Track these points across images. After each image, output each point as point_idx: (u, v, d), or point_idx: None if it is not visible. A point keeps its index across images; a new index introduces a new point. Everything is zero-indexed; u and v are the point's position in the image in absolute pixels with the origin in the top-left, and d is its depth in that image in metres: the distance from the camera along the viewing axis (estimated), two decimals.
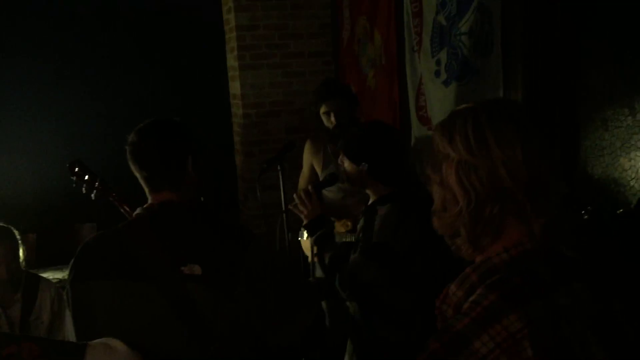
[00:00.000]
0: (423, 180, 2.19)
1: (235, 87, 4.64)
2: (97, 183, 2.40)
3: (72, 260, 1.61)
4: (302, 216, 2.35)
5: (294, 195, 2.37)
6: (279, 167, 3.08)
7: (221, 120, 4.77)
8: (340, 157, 2.29)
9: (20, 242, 2.76)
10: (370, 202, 2.28)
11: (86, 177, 2.39)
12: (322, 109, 3.22)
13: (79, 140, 4.58)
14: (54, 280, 3.44)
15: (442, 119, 1.18)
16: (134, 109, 4.65)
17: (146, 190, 1.63)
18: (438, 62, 3.29)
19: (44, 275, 3.11)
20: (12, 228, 2.75)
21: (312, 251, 2.45)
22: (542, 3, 2.58)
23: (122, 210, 2.34)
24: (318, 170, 3.39)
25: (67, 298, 1.58)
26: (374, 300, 2.18)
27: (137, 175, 1.62)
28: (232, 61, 4.64)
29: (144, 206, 1.63)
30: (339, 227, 3.20)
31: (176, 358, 1.50)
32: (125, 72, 4.78)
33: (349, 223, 3.02)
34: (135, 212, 1.63)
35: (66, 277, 3.83)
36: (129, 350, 1.47)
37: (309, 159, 3.46)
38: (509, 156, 1.05)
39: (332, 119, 3.19)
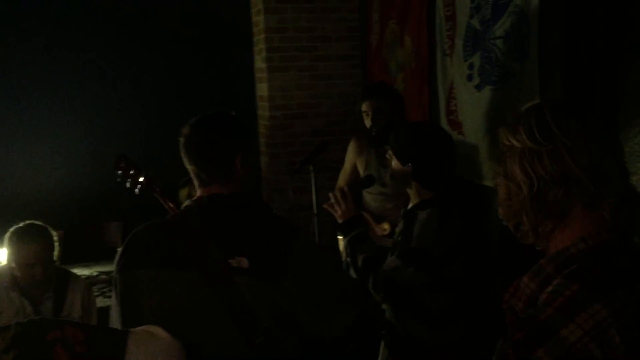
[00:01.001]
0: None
1: (262, 88, 4.65)
2: (142, 178, 2.40)
3: (121, 249, 1.62)
4: (337, 216, 2.34)
5: (330, 194, 2.36)
6: (311, 168, 3.08)
7: (246, 121, 4.77)
8: (389, 152, 2.27)
9: (56, 241, 2.74)
10: (410, 205, 2.26)
11: (131, 172, 2.40)
12: (363, 108, 3.26)
13: (108, 138, 4.63)
14: None
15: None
16: (162, 108, 4.71)
17: (196, 183, 1.65)
18: (470, 66, 3.28)
19: None
20: (49, 227, 2.73)
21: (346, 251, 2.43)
22: (583, 6, 2.55)
23: (165, 205, 2.34)
24: (361, 170, 3.40)
25: (114, 286, 1.59)
26: (410, 303, 2.17)
27: (188, 168, 1.64)
28: (260, 63, 4.66)
29: (193, 198, 1.64)
30: (378, 230, 3.18)
31: (222, 349, 1.50)
32: (153, 71, 4.82)
33: (387, 227, 3.01)
34: (185, 204, 1.64)
35: (93, 274, 3.93)
36: (170, 338, 1.47)
37: (352, 157, 3.47)
38: (573, 143, 1.08)
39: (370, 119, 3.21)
